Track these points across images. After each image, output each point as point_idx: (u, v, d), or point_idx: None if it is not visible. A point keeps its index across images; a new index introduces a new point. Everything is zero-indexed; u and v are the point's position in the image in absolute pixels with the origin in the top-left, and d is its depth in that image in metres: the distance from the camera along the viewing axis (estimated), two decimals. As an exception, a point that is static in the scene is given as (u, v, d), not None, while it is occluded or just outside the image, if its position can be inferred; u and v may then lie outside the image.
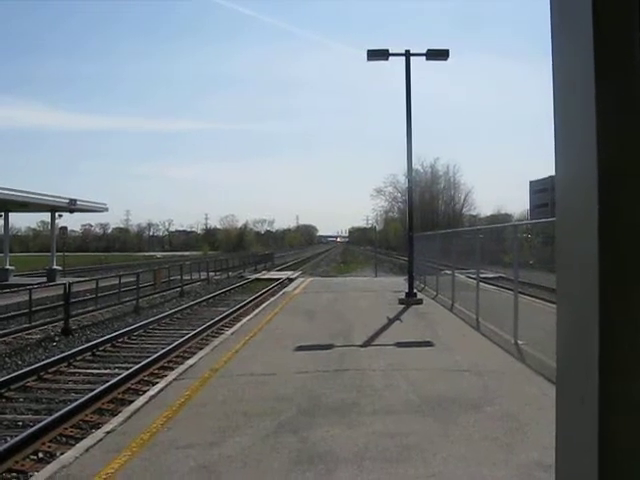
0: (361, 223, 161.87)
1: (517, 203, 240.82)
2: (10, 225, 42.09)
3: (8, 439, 8.97)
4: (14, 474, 7.82)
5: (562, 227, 1.18)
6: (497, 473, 5.73)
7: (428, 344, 12.85)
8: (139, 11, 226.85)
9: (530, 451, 6.25)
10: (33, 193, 34.41)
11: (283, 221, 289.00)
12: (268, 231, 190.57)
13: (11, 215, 40.19)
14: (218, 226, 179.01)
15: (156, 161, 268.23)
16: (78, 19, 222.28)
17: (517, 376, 9.90)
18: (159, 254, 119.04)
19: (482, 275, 16.85)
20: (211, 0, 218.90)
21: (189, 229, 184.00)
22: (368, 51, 21.16)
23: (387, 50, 21.33)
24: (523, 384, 9.31)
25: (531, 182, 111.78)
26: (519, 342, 12.20)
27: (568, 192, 1.17)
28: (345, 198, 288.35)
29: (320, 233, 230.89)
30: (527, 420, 7.38)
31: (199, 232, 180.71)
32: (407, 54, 21.72)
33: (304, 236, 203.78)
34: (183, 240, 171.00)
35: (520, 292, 13.37)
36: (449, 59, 21.65)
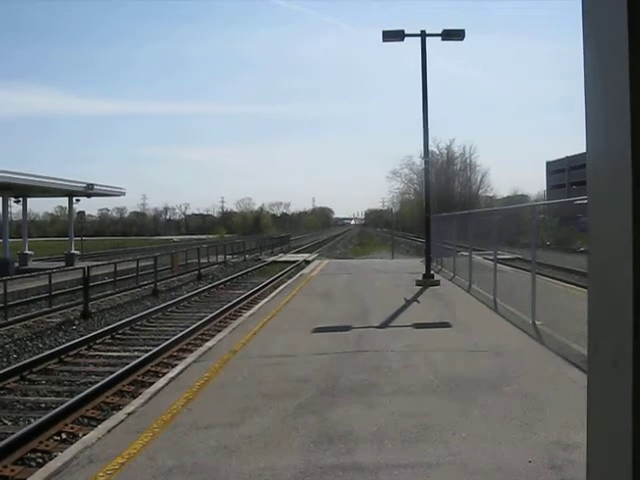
0: (377, 205, 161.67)
1: (534, 184, 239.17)
2: (28, 210, 42.34)
3: (32, 420, 9.12)
4: (38, 454, 7.94)
5: (594, 201, 1.18)
6: (516, 452, 5.74)
7: (446, 325, 12.86)
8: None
9: (549, 430, 6.26)
10: (50, 178, 34.54)
11: (299, 204, 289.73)
12: (284, 214, 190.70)
13: (29, 200, 40.45)
14: (234, 209, 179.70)
15: (172, 144, 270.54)
16: (89, 2, 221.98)
17: (535, 356, 9.89)
18: (176, 238, 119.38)
19: (499, 256, 16.80)
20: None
21: (205, 213, 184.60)
22: (383, 32, 20.97)
23: (402, 31, 21.11)
24: (541, 364, 9.31)
25: (548, 163, 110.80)
26: (537, 323, 12.19)
27: (600, 167, 1.17)
28: (361, 180, 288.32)
29: (336, 215, 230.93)
30: (546, 400, 7.39)
31: (215, 215, 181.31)
32: (422, 34, 21.52)
33: (320, 218, 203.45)
34: (200, 223, 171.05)
35: (537, 273, 13.32)
36: (465, 40, 21.52)
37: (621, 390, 1.08)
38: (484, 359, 9.70)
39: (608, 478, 1.15)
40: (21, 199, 39.58)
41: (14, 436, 8.08)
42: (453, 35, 21.40)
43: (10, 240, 36.75)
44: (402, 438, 6.21)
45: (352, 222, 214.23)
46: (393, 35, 21.14)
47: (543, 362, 9.42)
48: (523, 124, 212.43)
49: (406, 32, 21.18)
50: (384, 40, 21.18)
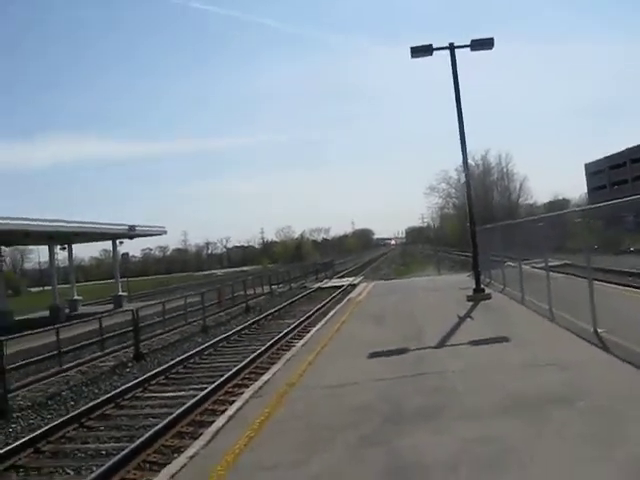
0: (417, 222, 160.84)
1: (575, 188, 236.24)
2: (73, 256, 42.98)
3: (94, 469, 9.02)
4: (103, 504, 7.83)
5: None
6: (601, 470, 5.42)
7: (504, 340, 12.48)
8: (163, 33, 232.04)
9: (632, 445, 5.91)
10: (94, 223, 35.11)
11: (339, 227, 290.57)
12: (325, 239, 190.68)
13: (74, 246, 41.04)
14: (275, 239, 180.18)
15: (206, 180, 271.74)
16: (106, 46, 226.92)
17: (603, 366, 9.48)
18: (219, 271, 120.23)
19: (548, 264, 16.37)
20: (235, 18, 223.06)
21: (246, 244, 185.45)
22: (411, 48, 20.86)
23: (430, 45, 20.98)
24: (610, 374, 8.91)
25: (586, 164, 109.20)
26: (599, 330, 11.73)
27: None
28: (399, 199, 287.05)
29: (377, 236, 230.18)
30: (621, 412, 7.02)
31: (256, 246, 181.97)
32: (451, 47, 21.38)
33: (361, 240, 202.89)
34: (241, 255, 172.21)
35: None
36: (494, 48, 21.26)
37: None
38: (549, 373, 9.30)
39: None
40: (66, 246, 40.20)
41: (78, 487, 7.99)
42: (482, 45, 21.17)
43: (58, 286, 37.27)
44: (477, 465, 5.92)
45: (393, 242, 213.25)
46: (421, 50, 21.01)
47: (613, 372, 9.02)
48: (557, 128, 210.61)
49: (434, 46, 21.05)
50: (413, 56, 21.07)
